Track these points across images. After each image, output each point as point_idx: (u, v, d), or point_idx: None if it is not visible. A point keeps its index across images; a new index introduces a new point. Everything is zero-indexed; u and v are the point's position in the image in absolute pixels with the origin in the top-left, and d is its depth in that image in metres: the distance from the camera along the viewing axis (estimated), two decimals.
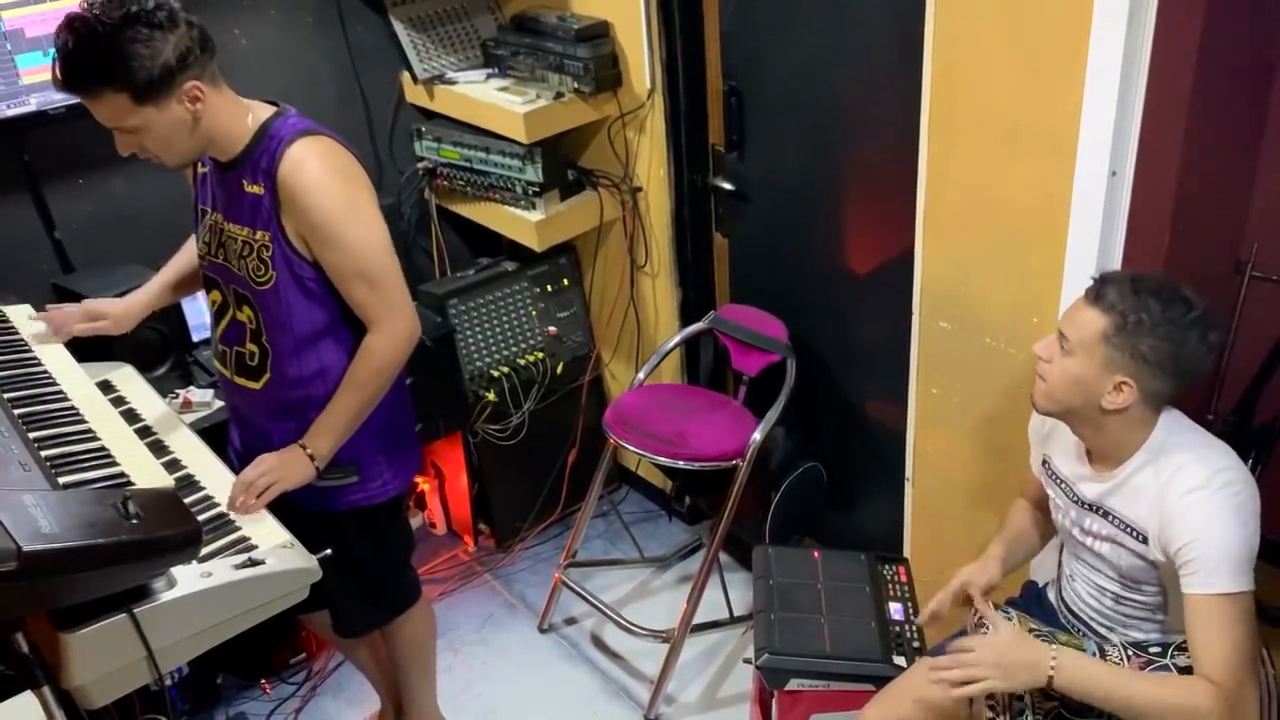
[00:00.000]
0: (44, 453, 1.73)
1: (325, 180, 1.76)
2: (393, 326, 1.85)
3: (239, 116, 1.80)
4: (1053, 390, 1.68)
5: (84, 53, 1.61)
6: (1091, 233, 1.90)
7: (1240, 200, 2.61)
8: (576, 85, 2.74)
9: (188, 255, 2.12)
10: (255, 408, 1.98)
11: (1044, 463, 1.89)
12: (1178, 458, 1.63)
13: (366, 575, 2.08)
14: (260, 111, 1.83)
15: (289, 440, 1.91)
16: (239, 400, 2.02)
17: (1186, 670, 1.65)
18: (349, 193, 1.79)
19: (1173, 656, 1.72)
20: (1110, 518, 1.73)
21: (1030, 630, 1.79)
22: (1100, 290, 1.63)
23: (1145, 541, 1.67)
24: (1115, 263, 1.93)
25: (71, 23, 1.61)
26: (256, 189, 1.79)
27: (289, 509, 1.80)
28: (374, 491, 2.02)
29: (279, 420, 1.95)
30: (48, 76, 2.34)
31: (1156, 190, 1.96)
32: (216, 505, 1.76)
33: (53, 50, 1.65)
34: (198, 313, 2.56)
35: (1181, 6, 1.80)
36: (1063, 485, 1.83)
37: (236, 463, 2.04)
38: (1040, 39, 1.87)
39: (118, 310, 2.09)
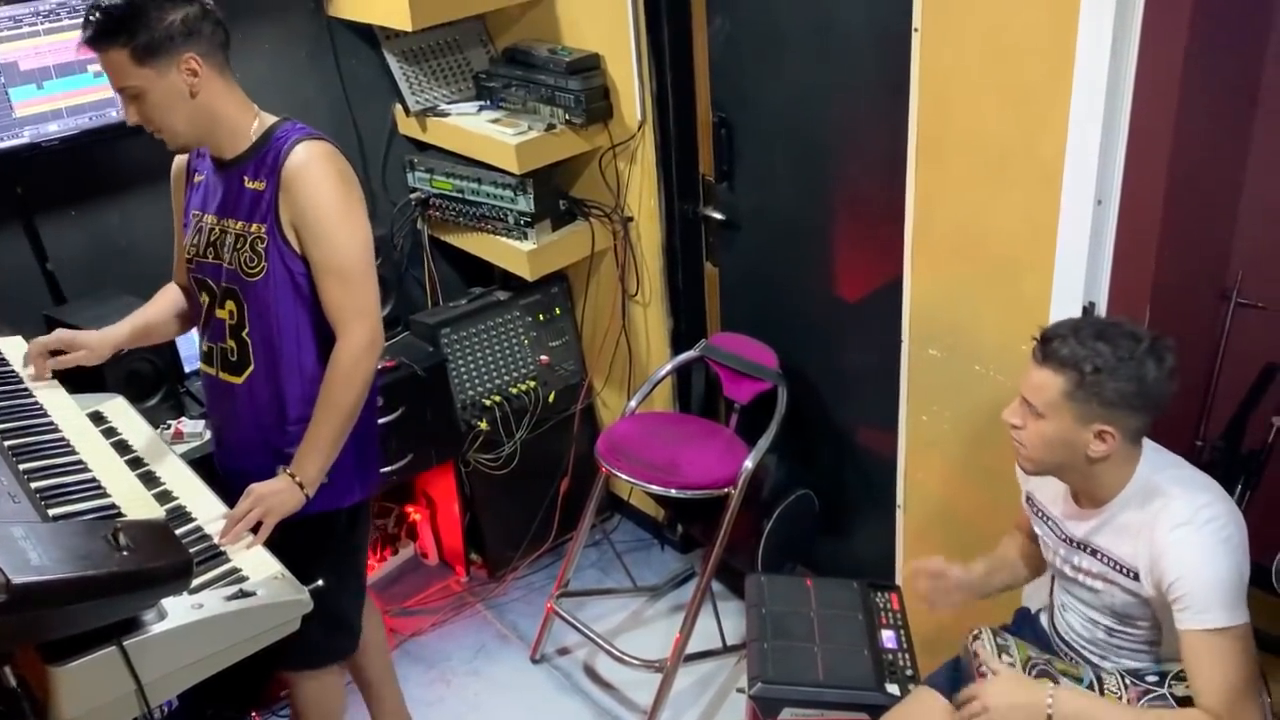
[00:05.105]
0: (34, 484, 1.71)
1: (325, 178, 1.87)
2: (357, 331, 1.90)
3: (244, 111, 1.91)
4: (1033, 454, 1.68)
5: (108, 9, 1.75)
6: (1078, 261, 1.92)
7: (1225, 228, 2.64)
8: (568, 117, 2.76)
9: (161, 304, 2.18)
10: (238, 403, 2.01)
11: (1028, 499, 1.89)
12: (1163, 494, 1.63)
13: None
14: (268, 119, 1.94)
15: (270, 436, 1.97)
16: (222, 398, 2.05)
17: (1185, 700, 1.64)
18: (345, 194, 1.90)
19: (1170, 686, 1.71)
20: (1099, 556, 1.73)
21: (1028, 659, 1.78)
22: (1046, 349, 1.62)
23: (1136, 578, 1.67)
24: (1103, 290, 1.95)
25: None
26: (258, 185, 1.89)
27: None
28: (340, 492, 2.02)
29: (259, 415, 1.99)
30: (42, 109, 2.40)
31: (1142, 219, 1.98)
32: (208, 537, 1.74)
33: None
34: (189, 343, 2.54)
35: (1164, 38, 1.83)
36: (1050, 523, 1.83)
37: (219, 469, 2.10)
38: (1026, 70, 1.90)
39: (93, 341, 2.10)
